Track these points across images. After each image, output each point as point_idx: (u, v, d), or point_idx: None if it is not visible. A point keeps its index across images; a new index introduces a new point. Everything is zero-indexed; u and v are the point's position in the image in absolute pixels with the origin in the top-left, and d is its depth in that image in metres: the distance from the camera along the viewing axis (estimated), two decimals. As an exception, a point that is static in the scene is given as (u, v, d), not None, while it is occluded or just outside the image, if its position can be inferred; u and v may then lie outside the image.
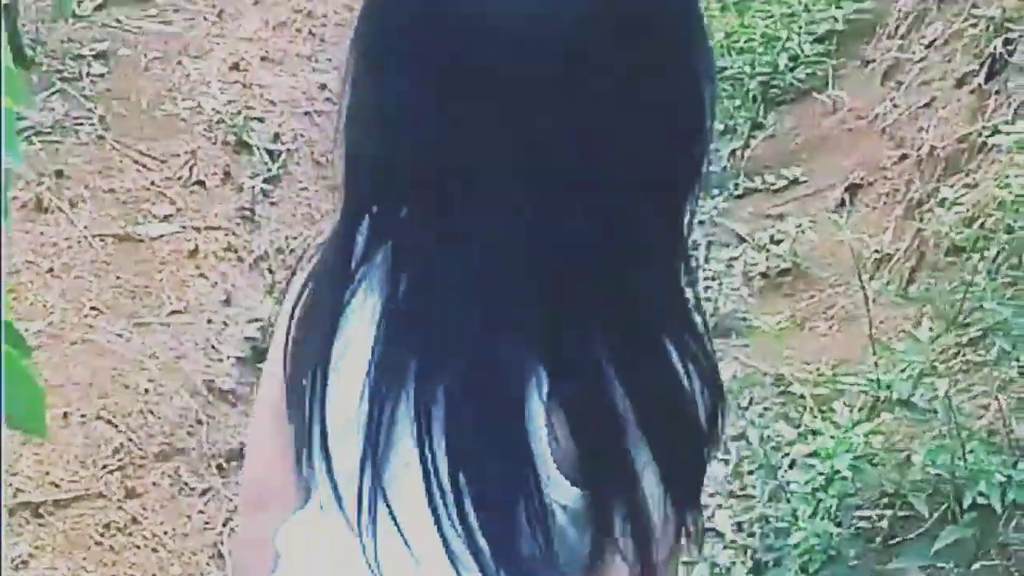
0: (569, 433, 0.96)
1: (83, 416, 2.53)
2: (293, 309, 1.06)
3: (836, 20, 3.96)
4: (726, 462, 2.73)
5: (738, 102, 3.90)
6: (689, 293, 1.02)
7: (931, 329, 2.08)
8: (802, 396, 2.68)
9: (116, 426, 2.54)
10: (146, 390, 2.64)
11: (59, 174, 3.12)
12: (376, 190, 1.01)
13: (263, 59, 3.88)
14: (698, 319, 1.02)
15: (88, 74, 3.48)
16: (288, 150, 3.55)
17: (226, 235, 3.17)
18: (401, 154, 0.97)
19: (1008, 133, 2.56)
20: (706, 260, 3.36)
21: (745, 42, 3.97)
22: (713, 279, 3.28)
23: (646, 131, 0.94)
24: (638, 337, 0.98)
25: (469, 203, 0.95)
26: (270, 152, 3.50)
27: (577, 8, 0.92)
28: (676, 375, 0.99)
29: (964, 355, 2.41)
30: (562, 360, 0.96)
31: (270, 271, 3.13)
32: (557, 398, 0.95)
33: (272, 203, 3.40)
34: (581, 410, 0.96)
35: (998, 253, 2.45)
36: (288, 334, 1.06)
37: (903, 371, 2.05)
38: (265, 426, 1.12)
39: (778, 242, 3.29)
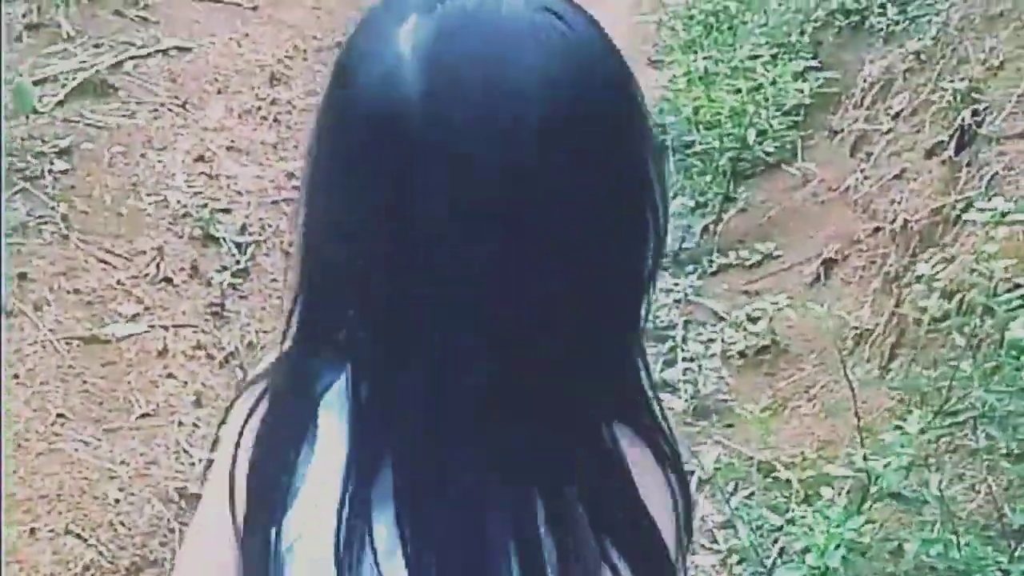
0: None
1: (51, 531, 2.45)
2: (240, 435, 1.02)
3: (802, 92, 3.96)
4: (715, 551, 2.67)
5: (709, 177, 3.89)
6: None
7: (920, 418, 2.04)
8: (788, 481, 2.63)
9: (85, 540, 2.46)
10: (116, 500, 2.56)
11: (22, 276, 3.05)
12: (334, 309, 0.98)
13: (229, 148, 3.84)
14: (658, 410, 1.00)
15: (50, 171, 3.43)
16: (256, 241, 3.51)
17: (195, 332, 3.11)
18: (362, 264, 0.95)
19: (981, 210, 2.53)
20: (684, 340, 3.32)
21: (712, 116, 3.97)
22: (692, 360, 3.24)
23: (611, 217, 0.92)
24: (588, 433, 0.96)
25: (429, 320, 0.92)
26: (238, 244, 3.45)
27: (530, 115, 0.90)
28: (629, 477, 0.96)
29: (951, 438, 2.37)
30: (517, 465, 0.94)
31: (241, 368, 3.07)
32: (514, 506, 0.94)
33: (241, 296, 3.34)
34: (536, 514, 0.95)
35: (977, 333, 2.42)
36: (234, 462, 1.02)
37: (889, 464, 2.01)
38: (206, 559, 1.06)
39: (755, 320, 3.26)
